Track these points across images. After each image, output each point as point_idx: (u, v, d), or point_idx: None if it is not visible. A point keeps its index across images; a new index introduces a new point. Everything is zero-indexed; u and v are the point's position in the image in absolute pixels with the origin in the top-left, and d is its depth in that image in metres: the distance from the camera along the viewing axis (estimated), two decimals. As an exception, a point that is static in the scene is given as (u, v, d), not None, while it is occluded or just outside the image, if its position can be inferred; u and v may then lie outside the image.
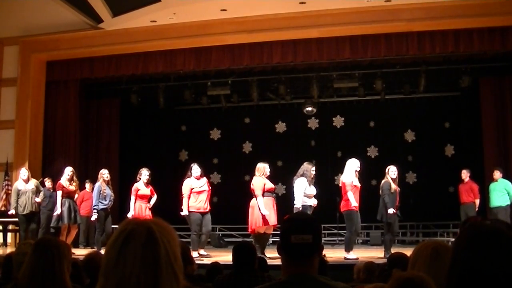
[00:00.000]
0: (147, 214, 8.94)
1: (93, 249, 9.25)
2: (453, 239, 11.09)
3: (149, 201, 9.25)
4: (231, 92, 12.75)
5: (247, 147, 14.64)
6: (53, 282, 2.44)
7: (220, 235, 12.69)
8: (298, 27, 10.33)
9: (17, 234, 10.44)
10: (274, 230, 8.60)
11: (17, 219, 9.75)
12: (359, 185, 8.42)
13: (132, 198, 9.07)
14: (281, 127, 14.57)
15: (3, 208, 10.80)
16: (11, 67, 11.73)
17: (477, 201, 10.29)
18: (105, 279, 1.31)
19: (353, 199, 8.17)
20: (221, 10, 10.13)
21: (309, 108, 13.12)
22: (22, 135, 11.39)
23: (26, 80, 11.54)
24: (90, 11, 10.37)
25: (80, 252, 9.01)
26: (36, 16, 10.82)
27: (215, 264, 5.04)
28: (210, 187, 9.13)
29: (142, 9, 10.05)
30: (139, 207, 9.05)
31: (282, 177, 11.84)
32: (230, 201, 13.00)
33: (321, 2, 9.86)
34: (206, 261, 7.60)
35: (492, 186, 9.97)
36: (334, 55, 10.78)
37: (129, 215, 8.81)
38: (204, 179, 9.06)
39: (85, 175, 11.55)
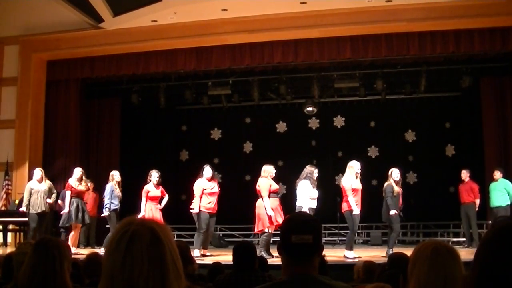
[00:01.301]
0: (158, 215, 8.98)
1: (94, 249, 9.30)
2: (453, 239, 11.14)
3: (160, 202, 9.33)
4: (232, 92, 12.73)
5: (248, 147, 14.63)
6: (53, 282, 2.43)
7: (221, 235, 12.66)
8: (299, 27, 10.32)
9: (17, 234, 10.46)
10: (275, 230, 8.65)
11: (19, 219, 9.83)
12: (360, 187, 8.47)
13: (143, 200, 9.19)
14: (281, 127, 14.56)
15: (3, 208, 10.81)
16: (11, 66, 11.71)
17: (477, 201, 10.30)
18: (110, 281, 1.30)
19: (355, 206, 8.22)
20: (222, 10, 10.12)
21: (310, 108, 13.11)
22: (23, 134, 11.38)
23: (27, 80, 11.52)
24: (91, 11, 10.36)
25: (80, 252, 9.02)
26: (36, 16, 10.81)
27: (217, 264, 5.04)
28: (219, 190, 9.25)
29: (143, 8, 10.04)
30: (150, 209, 9.14)
31: (283, 177, 11.81)
32: (231, 201, 12.97)
33: (322, 2, 9.85)
34: (208, 261, 7.62)
35: (493, 186, 9.98)
36: (335, 55, 10.77)
37: (139, 216, 8.84)
38: (215, 182, 9.22)
39: (86, 175, 11.51)
